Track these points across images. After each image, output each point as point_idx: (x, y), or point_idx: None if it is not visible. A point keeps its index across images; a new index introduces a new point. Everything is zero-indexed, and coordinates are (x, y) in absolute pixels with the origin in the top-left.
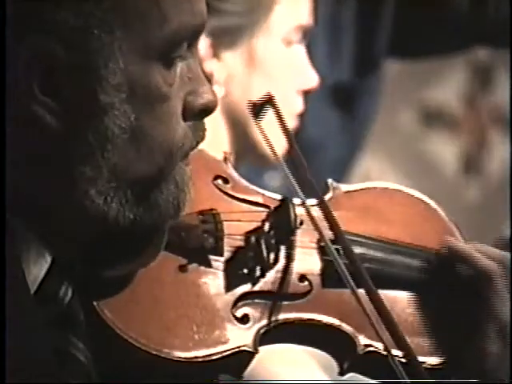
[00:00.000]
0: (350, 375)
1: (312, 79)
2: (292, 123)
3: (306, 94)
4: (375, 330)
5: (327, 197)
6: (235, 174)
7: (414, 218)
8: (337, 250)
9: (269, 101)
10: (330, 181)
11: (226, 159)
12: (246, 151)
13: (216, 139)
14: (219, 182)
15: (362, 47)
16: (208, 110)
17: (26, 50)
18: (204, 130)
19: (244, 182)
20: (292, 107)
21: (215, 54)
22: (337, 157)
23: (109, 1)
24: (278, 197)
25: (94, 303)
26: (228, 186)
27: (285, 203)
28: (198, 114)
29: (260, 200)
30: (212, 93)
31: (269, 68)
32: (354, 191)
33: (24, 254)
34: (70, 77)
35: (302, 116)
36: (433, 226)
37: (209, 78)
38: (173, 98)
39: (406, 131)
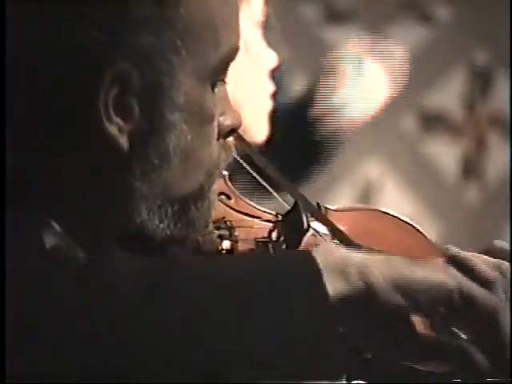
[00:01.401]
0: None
1: (274, 56)
2: (270, 104)
3: (272, 73)
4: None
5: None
6: (236, 192)
7: (401, 236)
8: None
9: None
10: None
11: (224, 178)
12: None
13: None
14: (223, 197)
15: None
16: (234, 130)
17: (107, 75)
18: (231, 150)
19: (244, 199)
20: (269, 88)
21: None
22: None
23: (181, 24)
24: (273, 212)
25: None
26: (231, 201)
27: (296, 207)
28: (225, 134)
29: (259, 215)
30: (237, 114)
31: (255, 54)
32: (342, 211)
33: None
34: (142, 98)
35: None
36: (419, 244)
37: None
38: (215, 119)
39: (405, 134)
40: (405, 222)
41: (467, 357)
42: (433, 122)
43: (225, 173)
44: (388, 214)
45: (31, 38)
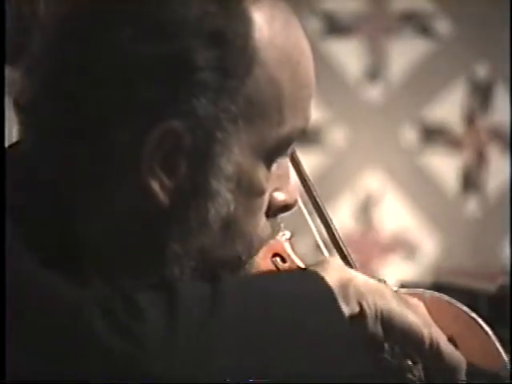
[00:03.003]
0: None
1: None
2: None
3: None
4: None
5: None
6: (293, 256)
7: (461, 331)
8: None
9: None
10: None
11: (287, 240)
12: None
13: None
14: (277, 259)
15: None
16: (287, 207)
17: (158, 130)
18: (279, 226)
19: (299, 263)
20: None
21: None
22: None
23: (244, 95)
24: None
25: None
26: (285, 265)
27: None
28: (277, 210)
29: None
30: (294, 191)
31: None
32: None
33: None
34: (190, 160)
35: None
36: (478, 341)
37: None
38: (265, 194)
39: (405, 147)
40: (468, 315)
41: None
42: (433, 134)
43: (286, 233)
44: (453, 304)
45: (86, 73)
